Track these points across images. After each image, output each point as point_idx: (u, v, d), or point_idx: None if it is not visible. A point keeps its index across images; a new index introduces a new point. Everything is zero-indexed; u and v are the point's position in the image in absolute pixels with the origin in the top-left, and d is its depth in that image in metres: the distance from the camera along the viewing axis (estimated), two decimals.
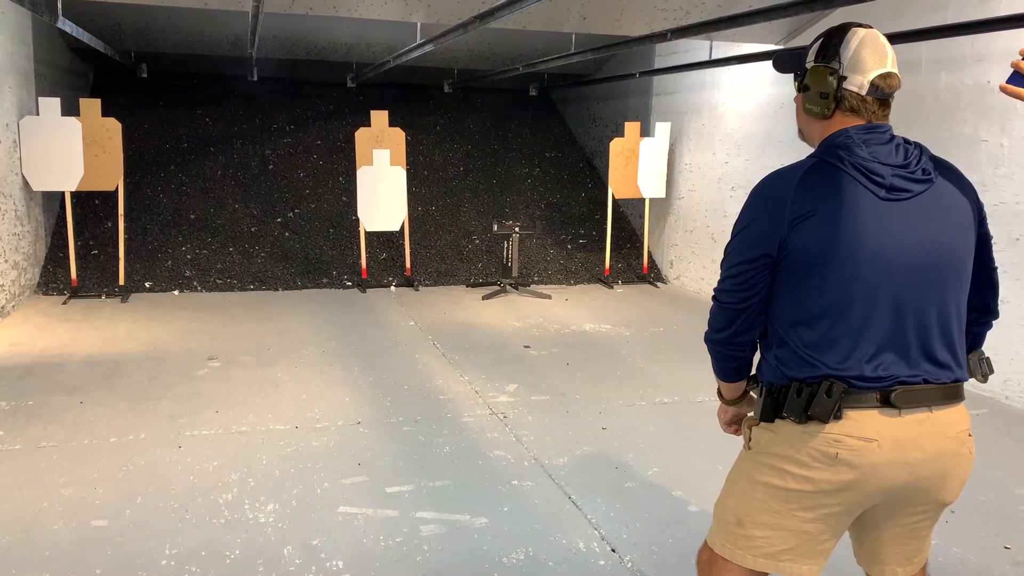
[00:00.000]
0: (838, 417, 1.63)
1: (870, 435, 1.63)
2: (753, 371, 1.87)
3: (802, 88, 1.78)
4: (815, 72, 1.73)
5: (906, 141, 1.71)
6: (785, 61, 1.85)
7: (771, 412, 1.73)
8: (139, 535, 3.04)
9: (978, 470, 3.82)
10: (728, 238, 1.79)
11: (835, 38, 1.71)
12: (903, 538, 1.78)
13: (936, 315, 1.67)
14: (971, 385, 1.78)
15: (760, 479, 1.74)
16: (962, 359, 1.73)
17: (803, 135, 1.86)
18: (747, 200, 1.75)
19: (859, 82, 1.68)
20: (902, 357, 1.65)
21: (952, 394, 1.70)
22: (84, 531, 3.06)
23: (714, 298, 1.80)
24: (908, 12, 5.47)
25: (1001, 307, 1.88)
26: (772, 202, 1.68)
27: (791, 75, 1.84)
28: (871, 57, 1.68)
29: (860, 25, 1.72)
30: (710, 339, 1.84)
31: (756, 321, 1.76)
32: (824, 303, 1.65)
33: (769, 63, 6.97)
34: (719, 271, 1.79)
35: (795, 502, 1.69)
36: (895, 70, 1.70)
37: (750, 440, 1.79)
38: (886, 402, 1.63)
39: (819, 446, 1.65)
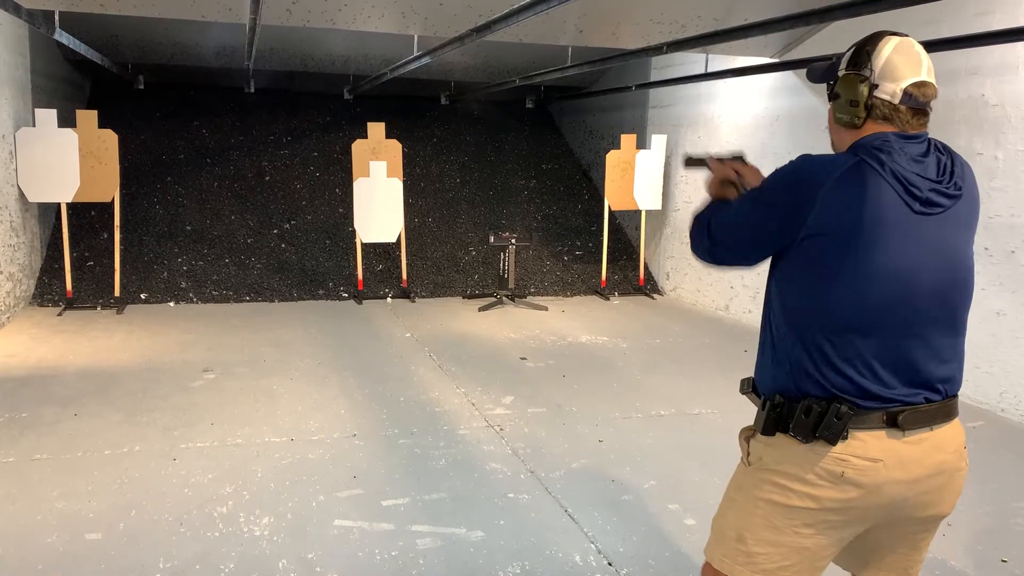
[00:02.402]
0: (844, 438, 1.62)
1: (876, 456, 1.62)
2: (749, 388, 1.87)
3: (832, 96, 1.75)
4: (845, 80, 1.70)
5: (939, 149, 1.68)
6: (818, 71, 1.82)
7: (772, 426, 1.70)
8: (133, 548, 3.02)
9: (975, 483, 3.82)
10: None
11: (868, 46, 1.68)
12: (903, 550, 1.78)
13: (946, 334, 1.67)
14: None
15: (762, 496, 1.72)
16: (960, 373, 1.72)
17: (834, 147, 1.82)
18: (785, 169, 1.68)
19: (891, 90, 1.64)
20: (911, 377, 1.64)
21: (950, 411, 1.70)
22: (77, 544, 3.03)
23: (704, 222, 1.81)
24: (902, 26, 5.45)
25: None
26: (806, 186, 1.62)
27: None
28: (904, 65, 1.64)
29: (895, 33, 1.68)
30: (696, 235, 1.86)
31: (735, 258, 1.79)
32: (845, 316, 1.62)
33: (764, 76, 7.05)
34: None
35: (798, 519, 1.67)
36: (931, 79, 1.65)
37: (749, 455, 1.77)
38: (893, 423, 1.62)
39: (825, 465, 1.63)
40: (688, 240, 1.89)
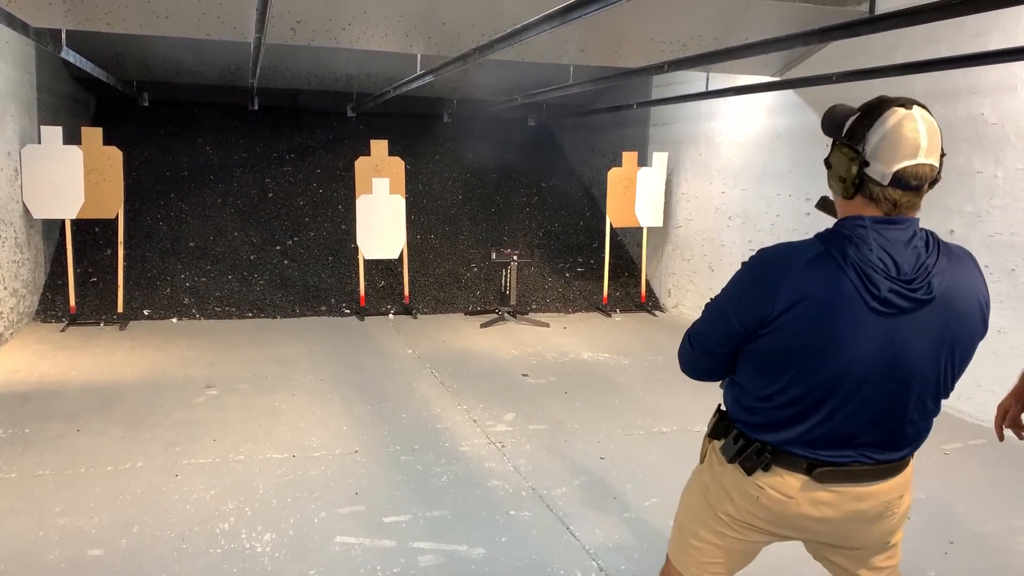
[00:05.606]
0: (766, 469, 1.71)
1: (791, 494, 1.70)
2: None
3: (827, 163, 1.68)
4: (838, 152, 1.62)
5: (926, 242, 1.60)
6: (828, 123, 1.70)
7: (716, 432, 1.84)
8: (135, 564, 3.02)
9: (976, 501, 3.82)
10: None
11: (868, 118, 1.58)
12: (854, 562, 1.85)
13: (889, 421, 1.67)
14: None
15: (698, 492, 1.88)
16: (909, 446, 1.72)
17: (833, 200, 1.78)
18: (748, 264, 1.69)
19: (881, 172, 1.55)
20: (841, 446, 1.68)
21: (889, 473, 1.71)
22: (80, 560, 3.04)
23: (687, 334, 1.83)
24: (902, 46, 5.54)
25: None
26: (767, 280, 1.62)
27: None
28: (899, 146, 1.53)
29: (903, 104, 1.56)
30: (683, 362, 1.89)
31: (718, 370, 1.81)
32: (781, 391, 1.67)
33: (765, 94, 7.09)
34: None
35: (720, 521, 1.81)
36: (927, 160, 1.55)
37: (705, 455, 1.89)
38: (810, 473, 1.68)
39: (745, 486, 1.75)
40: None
